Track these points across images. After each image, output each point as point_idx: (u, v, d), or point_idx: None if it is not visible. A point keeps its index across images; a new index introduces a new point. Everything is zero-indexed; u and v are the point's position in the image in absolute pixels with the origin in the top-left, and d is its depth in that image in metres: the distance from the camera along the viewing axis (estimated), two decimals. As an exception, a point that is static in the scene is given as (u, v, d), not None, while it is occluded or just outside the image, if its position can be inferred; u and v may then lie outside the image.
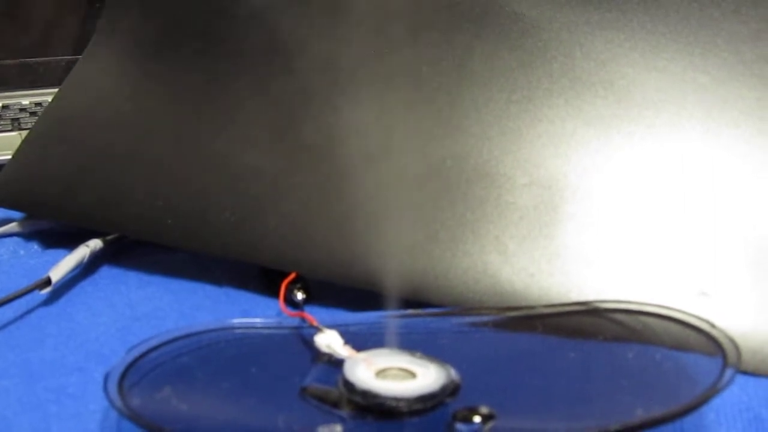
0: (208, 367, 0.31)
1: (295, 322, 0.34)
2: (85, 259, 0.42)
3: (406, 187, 0.39)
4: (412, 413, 0.27)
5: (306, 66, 0.43)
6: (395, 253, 0.38)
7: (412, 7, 0.43)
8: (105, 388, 0.28)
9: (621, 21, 0.40)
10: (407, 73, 0.42)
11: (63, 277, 0.40)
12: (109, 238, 0.43)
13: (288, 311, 0.35)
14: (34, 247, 0.46)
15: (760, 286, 0.35)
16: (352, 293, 0.37)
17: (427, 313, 0.34)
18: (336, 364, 0.30)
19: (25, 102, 0.65)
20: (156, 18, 0.48)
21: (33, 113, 0.63)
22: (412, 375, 0.29)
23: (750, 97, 0.38)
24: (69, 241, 0.43)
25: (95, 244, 0.42)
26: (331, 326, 0.32)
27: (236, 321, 0.33)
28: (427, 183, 0.39)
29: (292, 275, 0.38)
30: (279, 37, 0.45)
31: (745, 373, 0.32)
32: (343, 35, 0.44)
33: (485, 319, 0.34)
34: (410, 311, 0.34)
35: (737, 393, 0.31)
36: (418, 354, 0.30)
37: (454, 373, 0.29)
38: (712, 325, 0.30)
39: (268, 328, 0.34)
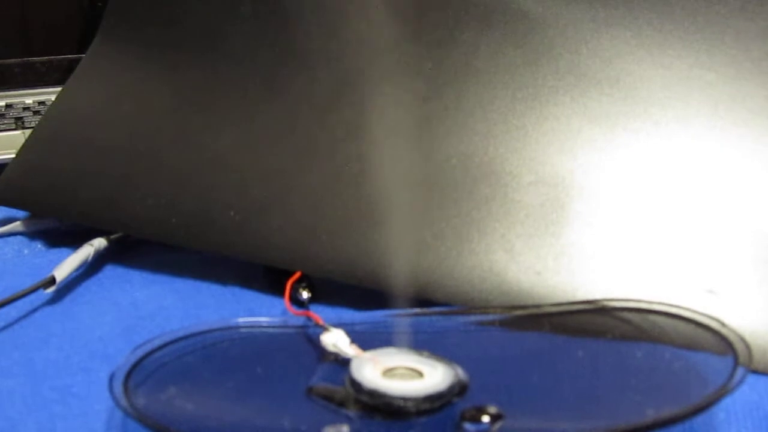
0: (213, 367, 0.31)
1: (301, 321, 0.34)
2: (90, 258, 0.41)
3: (411, 185, 0.39)
4: (420, 413, 0.27)
5: (311, 64, 0.43)
6: (401, 252, 0.37)
7: (416, 4, 0.43)
8: (110, 388, 0.28)
9: (627, 18, 0.40)
10: (412, 70, 0.42)
11: (67, 276, 0.39)
12: (113, 237, 0.43)
13: (293, 310, 0.35)
14: (39, 246, 0.46)
15: (768, 284, 0.34)
16: (357, 292, 0.37)
17: (433, 311, 0.34)
18: (342, 363, 0.30)
19: (29, 101, 0.65)
20: (160, 16, 0.48)
21: (36, 112, 0.63)
22: (420, 374, 0.28)
23: (757, 94, 0.38)
24: (73, 240, 0.43)
25: (99, 243, 0.42)
26: (337, 325, 0.32)
27: (241, 320, 0.33)
28: (432, 181, 0.39)
29: (297, 274, 0.38)
30: (283, 36, 0.44)
31: (755, 371, 0.32)
32: (348, 33, 0.43)
33: (492, 318, 0.34)
34: (416, 310, 0.34)
35: (747, 392, 0.31)
36: (425, 353, 0.30)
37: (461, 373, 0.28)
38: (723, 324, 0.30)
39: (274, 327, 0.33)
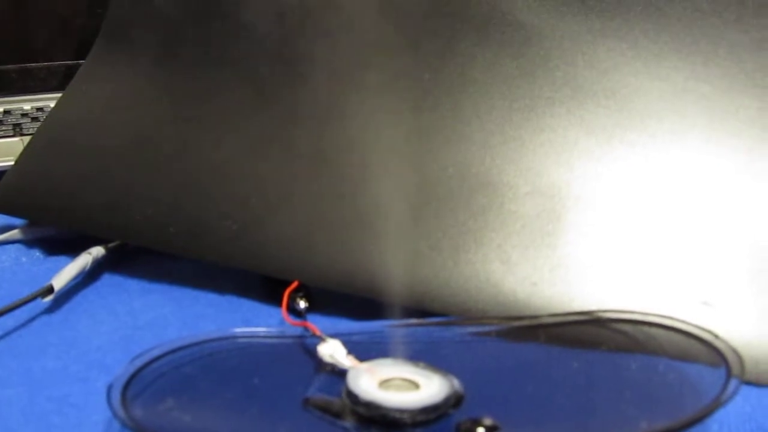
0: (210, 377, 0.31)
1: (298, 331, 0.34)
2: (88, 267, 0.42)
3: (408, 195, 0.39)
4: (416, 425, 0.27)
5: (308, 74, 0.43)
6: (397, 262, 0.38)
7: (414, 15, 0.43)
8: (108, 399, 0.28)
9: (623, 30, 0.40)
10: (409, 81, 0.42)
11: (65, 285, 0.40)
12: (111, 245, 0.43)
13: (290, 320, 0.35)
14: (36, 254, 0.46)
15: (762, 295, 0.35)
16: (354, 302, 0.37)
17: (430, 322, 0.34)
18: (339, 374, 0.30)
19: (27, 107, 0.65)
20: (158, 24, 0.48)
21: (35, 118, 0.63)
22: (416, 386, 0.29)
23: (751, 106, 0.38)
24: (71, 248, 0.43)
25: (97, 251, 0.42)
26: (333, 335, 0.32)
27: (239, 330, 0.33)
28: (429, 191, 0.39)
29: (295, 284, 0.38)
30: (282, 45, 0.45)
31: (748, 383, 0.32)
32: (345, 43, 0.44)
33: (488, 328, 0.34)
34: (413, 321, 0.34)
35: (740, 403, 0.31)
36: (422, 364, 0.30)
37: (457, 384, 0.29)
38: (716, 336, 0.30)
39: (271, 337, 0.34)
